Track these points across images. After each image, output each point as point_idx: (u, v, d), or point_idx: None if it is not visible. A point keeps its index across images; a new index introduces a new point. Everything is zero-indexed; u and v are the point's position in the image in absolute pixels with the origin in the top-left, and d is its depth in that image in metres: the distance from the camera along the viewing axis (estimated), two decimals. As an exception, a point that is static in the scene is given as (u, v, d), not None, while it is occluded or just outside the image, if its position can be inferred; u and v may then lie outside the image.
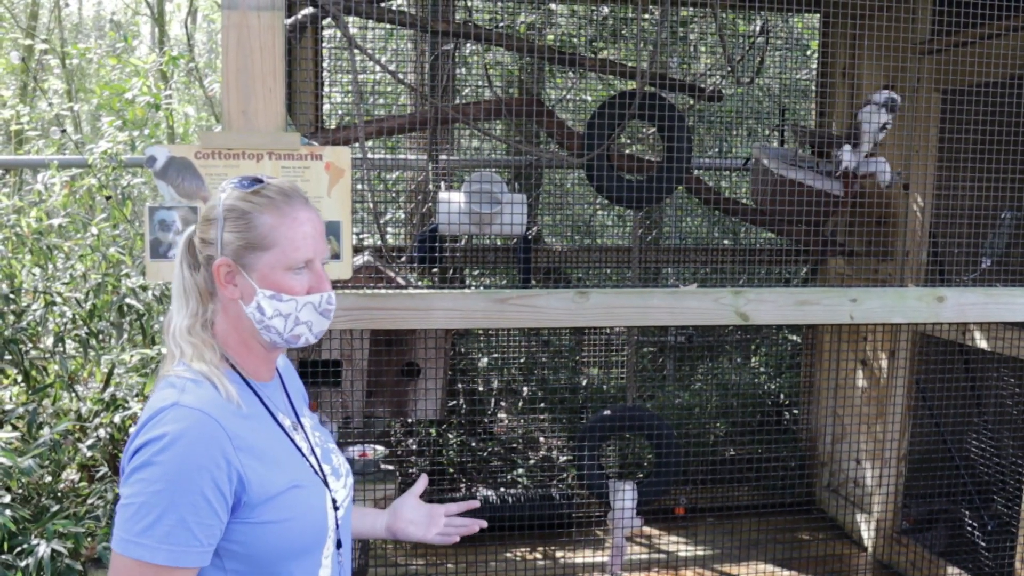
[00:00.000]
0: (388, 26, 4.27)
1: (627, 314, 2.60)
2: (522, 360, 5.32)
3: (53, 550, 2.61)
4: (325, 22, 4.00)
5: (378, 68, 4.79)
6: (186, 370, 1.42)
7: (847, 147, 3.40)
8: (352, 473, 3.06)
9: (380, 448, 3.11)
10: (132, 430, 1.40)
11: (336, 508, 1.52)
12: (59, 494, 3.24)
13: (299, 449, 1.50)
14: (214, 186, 2.35)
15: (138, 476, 1.30)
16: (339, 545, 1.54)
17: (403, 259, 3.99)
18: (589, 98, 5.59)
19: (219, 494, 1.32)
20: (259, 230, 1.43)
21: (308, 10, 3.15)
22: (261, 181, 1.48)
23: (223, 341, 1.48)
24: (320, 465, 1.52)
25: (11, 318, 3.60)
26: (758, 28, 4.56)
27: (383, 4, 3.33)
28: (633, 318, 2.62)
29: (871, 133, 3.35)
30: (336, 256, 2.45)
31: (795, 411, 5.22)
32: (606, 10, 5.25)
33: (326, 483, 1.51)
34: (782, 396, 5.43)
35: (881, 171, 3.41)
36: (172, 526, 1.29)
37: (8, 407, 3.39)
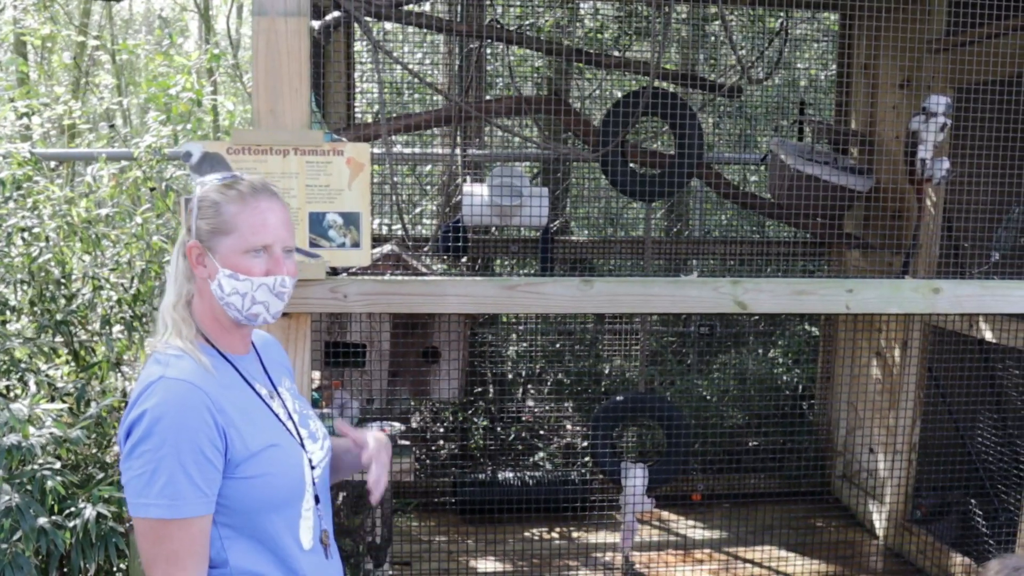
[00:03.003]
0: (413, 29, 4.44)
1: (630, 301, 2.75)
2: (549, 349, 5.48)
3: (99, 513, 2.83)
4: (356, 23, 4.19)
5: (411, 65, 4.97)
6: (168, 347, 1.62)
7: (924, 153, 3.46)
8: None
9: (397, 425, 3.30)
10: (128, 405, 1.58)
11: (313, 468, 1.71)
12: (104, 464, 3.48)
13: (276, 415, 1.69)
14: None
15: (142, 448, 1.49)
16: (317, 501, 1.72)
17: (427, 249, 4.17)
18: (619, 94, 5.73)
19: (214, 449, 1.53)
20: (223, 217, 1.63)
21: (336, 13, 3.34)
22: (231, 176, 1.68)
23: (200, 319, 1.68)
24: (297, 429, 1.72)
25: (62, 302, 3.85)
26: (778, 26, 4.65)
27: (406, 7, 3.51)
28: (636, 305, 2.77)
29: (933, 134, 3.43)
30: (356, 245, 2.63)
31: (812, 401, 5.31)
32: (631, 8, 5.37)
33: (303, 445, 1.70)
34: (799, 387, 5.53)
35: (938, 169, 3.49)
36: (184, 484, 1.50)
37: (59, 384, 3.64)
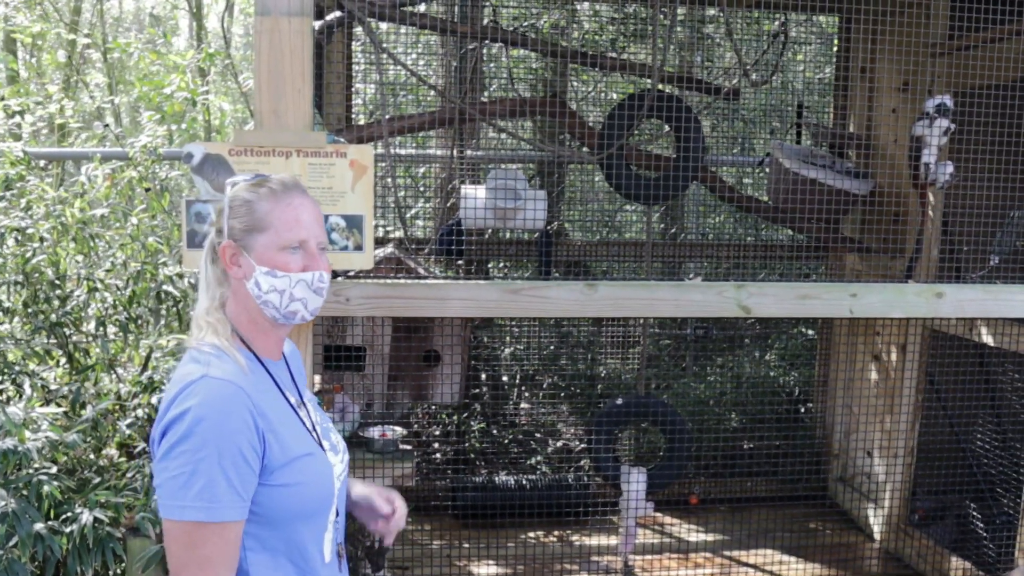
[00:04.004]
0: (407, 30, 4.42)
1: (634, 306, 2.73)
2: (544, 352, 5.46)
3: (95, 518, 2.80)
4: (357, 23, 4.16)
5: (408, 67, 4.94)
6: (207, 345, 1.58)
7: (929, 157, 3.44)
8: (372, 452, 3.23)
9: (399, 429, 3.27)
10: (162, 401, 1.53)
11: (335, 480, 1.67)
12: (100, 468, 3.44)
13: (303, 423, 1.66)
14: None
15: (181, 448, 1.45)
16: (336, 513, 1.70)
17: (426, 251, 4.14)
18: (615, 95, 5.71)
19: (254, 453, 1.49)
20: (257, 215, 1.61)
21: (336, 14, 3.31)
22: (261, 176, 1.66)
23: (235, 321, 1.65)
24: (320, 441, 1.68)
25: (56, 303, 3.81)
26: (777, 28, 4.65)
27: (407, 8, 3.49)
28: (640, 310, 2.76)
29: (936, 138, 3.42)
30: (359, 248, 2.60)
31: (809, 404, 5.31)
32: (630, 10, 5.36)
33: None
34: (797, 390, 5.52)
35: (941, 173, 3.48)
36: (223, 487, 1.45)
37: (53, 387, 3.60)
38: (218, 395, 1.48)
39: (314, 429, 1.69)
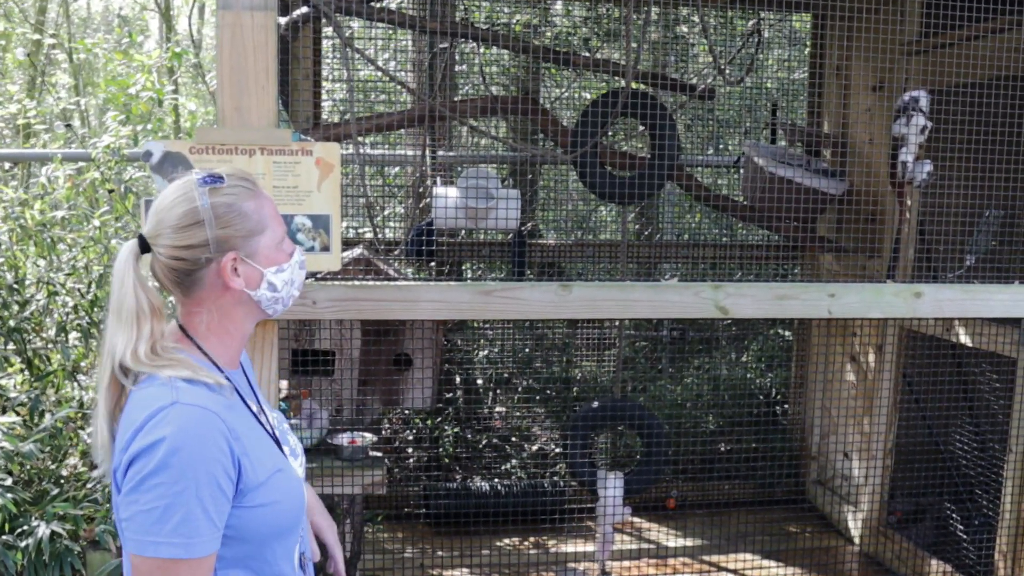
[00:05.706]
0: (383, 25, 4.34)
1: (609, 307, 2.67)
2: (519, 355, 5.40)
3: (53, 532, 2.70)
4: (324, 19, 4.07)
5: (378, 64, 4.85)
6: (171, 371, 1.44)
7: (907, 156, 3.40)
8: (341, 459, 3.15)
9: (369, 435, 3.19)
10: (123, 428, 1.40)
11: None
12: (60, 479, 3.33)
13: (267, 431, 1.57)
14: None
15: (155, 480, 1.33)
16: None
17: (397, 252, 4.06)
18: (588, 95, 5.66)
19: (228, 480, 1.39)
20: (251, 217, 1.50)
21: (303, 9, 3.23)
22: (220, 176, 1.52)
23: (203, 337, 1.52)
24: (280, 447, 1.59)
25: (15, 308, 3.69)
26: (751, 28, 4.62)
27: (375, 4, 3.41)
28: (615, 311, 2.69)
29: (914, 136, 3.39)
30: (326, 249, 2.52)
31: (786, 406, 5.28)
32: (603, 9, 5.31)
33: None
34: (773, 391, 5.49)
35: (919, 171, 3.44)
36: (201, 521, 1.35)
37: (12, 394, 3.48)
38: (193, 422, 1.37)
39: (272, 435, 1.61)
